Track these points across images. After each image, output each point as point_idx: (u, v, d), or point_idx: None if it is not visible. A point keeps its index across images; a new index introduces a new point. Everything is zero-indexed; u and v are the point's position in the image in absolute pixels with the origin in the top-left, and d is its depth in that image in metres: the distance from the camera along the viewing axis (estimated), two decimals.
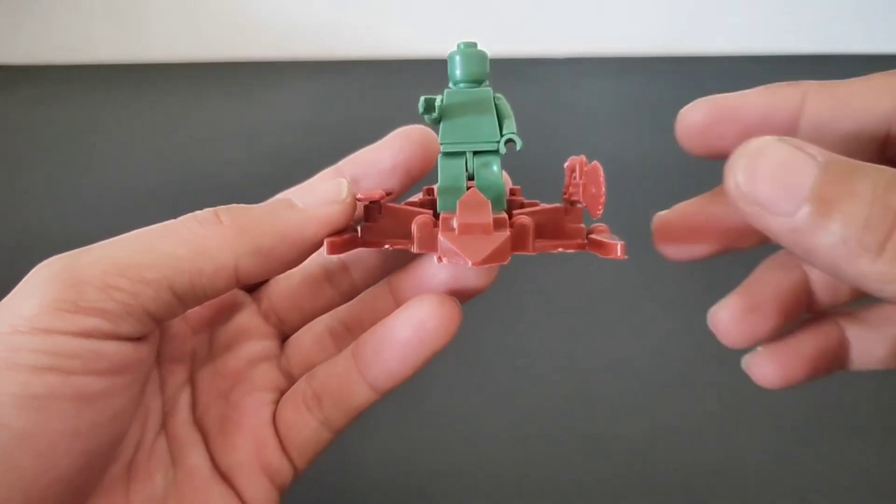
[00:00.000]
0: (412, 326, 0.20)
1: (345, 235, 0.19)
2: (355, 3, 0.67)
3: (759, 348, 0.22)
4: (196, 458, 0.21)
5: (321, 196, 0.19)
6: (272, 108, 0.64)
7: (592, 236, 0.19)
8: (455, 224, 0.17)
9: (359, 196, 0.19)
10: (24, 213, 0.52)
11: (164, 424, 0.21)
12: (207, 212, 0.18)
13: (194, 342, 0.22)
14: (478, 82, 0.20)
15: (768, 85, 0.19)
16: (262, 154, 0.57)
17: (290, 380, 0.23)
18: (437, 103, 0.19)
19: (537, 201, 0.21)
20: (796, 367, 0.21)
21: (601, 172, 0.18)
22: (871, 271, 0.14)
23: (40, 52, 0.70)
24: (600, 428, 0.36)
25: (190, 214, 0.18)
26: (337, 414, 0.21)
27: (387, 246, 0.19)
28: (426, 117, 0.19)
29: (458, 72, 0.20)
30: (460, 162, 0.20)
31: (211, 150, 0.58)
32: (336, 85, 0.67)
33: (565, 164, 0.21)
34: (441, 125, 0.20)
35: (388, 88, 0.66)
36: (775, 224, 0.15)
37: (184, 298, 0.17)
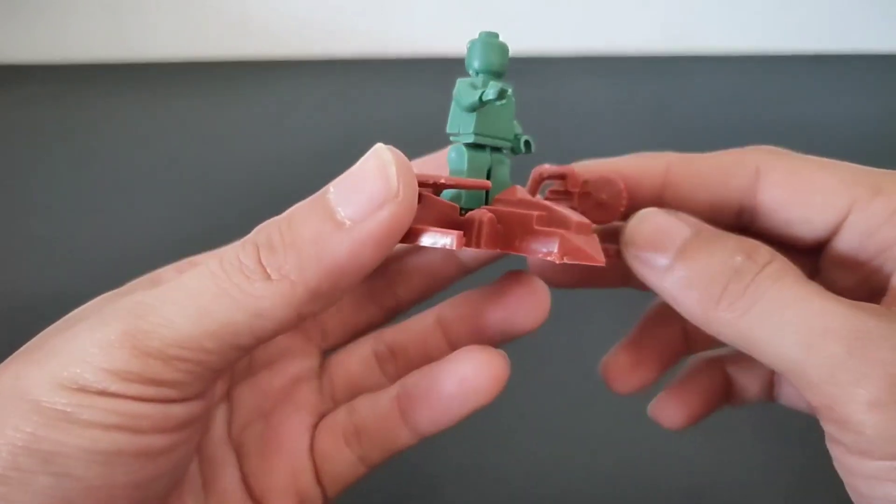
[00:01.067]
0: (458, 382, 0.19)
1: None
2: (356, 2, 0.67)
3: (661, 395, 0.25)
4: (229, 480, 0.20)
5: (369, 199, 0.15)
6: (273, 107, 0.64)
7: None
8: (573, 223, 0.17)
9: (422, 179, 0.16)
10: (24, 212, 0.52)
11: (198, 444, 0.20)
12: (249, 257, 0.16)
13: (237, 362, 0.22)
14: (499, 75, 0.20)
15: (639, 154, 0.22)
16: (262, 153, 0.57)
17: (332, 402, 0.22)
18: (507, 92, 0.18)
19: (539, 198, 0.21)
20: (695, 408, 0.24)
21: (622, 183, 0.21)
22: (713, 318, 0.17)
23: (40, 52, 0.69)
24: (600, 427, 0.36)
25: (231, 259, 0.16)
26: (375, 452, 0.21)
27: (445, 244, 0.15)
28: (493, 103, 0.18)
29: (480, 62, 0.19)
30: (484, 155, 0.19)
31: (211, 149, 0.58)
32: (337, 84, 0.67)
33: (532, 173, 0.21)
34: (476, 115, 0.19)
35: (390, 88, 0.66)
36: (651, 276, 0.18)
37: (249, 349, 0.16)
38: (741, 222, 0.21)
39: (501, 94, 0.17)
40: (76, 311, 0.19)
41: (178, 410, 0.16)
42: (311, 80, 0.67)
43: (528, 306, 0.21)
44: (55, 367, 0.15)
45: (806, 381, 0.16)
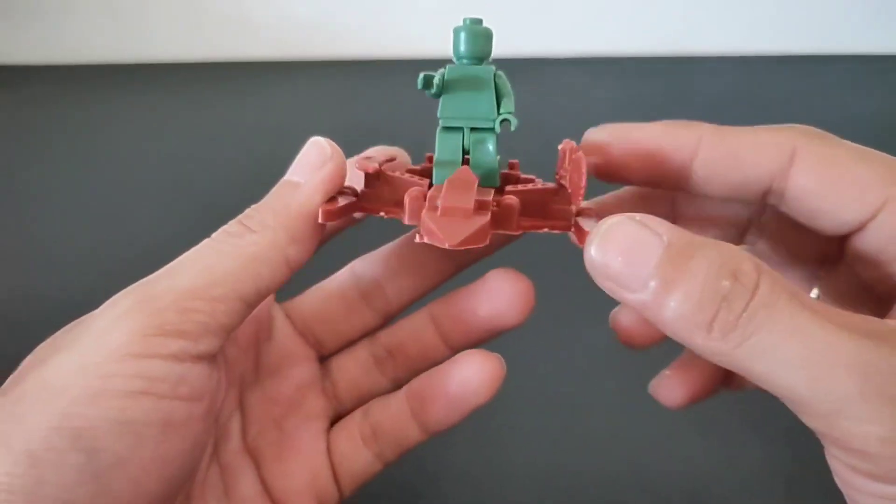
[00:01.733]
0: (460, 384, 0.21)
1: (339, 203, 0.19)
2: (356, 2, 0.67)
3: (665, 372, 0.24)
4: (248, 486, 0.21)
5: (310, 162, 0.19)
6: (273, 107, 0.64)
7: (579, 219, 0.19)
8: (439, 204, 0.17)
9: (359, 165, 0.20)
10: (24, 212, 0.52)
11: (216, 452, 0.21)
12: (233, 224, 0.19)
13: (244, 365, 0.23)
14: (479, 59, 0.20)
15: (667, 122, 0.20)
16: (262, 153, 0.57)
17: (337, 405, 0.24)
18: (436, 80, 0.19)
19: (534, 177, 0.21)
20: (695, 388, 0.23)
21: (583, 165, 0.18)
22: (703, 346, 0.15)
23: (40, 52, 0.69)
24: (600, 426, 0.36)
25: (220, 231, 0.19)
26: (390, 450, 0.23)
27: (381, 214, 0.19)
28: (427, 93, 0.20)
29: (461, 48, 0.20)
30: (458, 137, 0.20)
31: (211, 150, 0.58)
32: (337, 85, 0.67)
33: (559, 146, 0.21)
34: (441, 99, 0.20)
35: (389, 88, 0.66)
36: (627, 298, 0.16)
37: (251, 302, 0.18)
38: (766, 202, 0.20)
39: (425, 83, 0.19)
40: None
41: (192, 373, 0.17)
42: (310, 81, 0.68)
43: (514, 302, 0.22)
44: (77, 352, 0.16)
45: (811, 413, 0.15)
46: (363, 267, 0.24)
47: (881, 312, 0.18)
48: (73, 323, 0.19)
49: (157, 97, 0.65)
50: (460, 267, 0.24)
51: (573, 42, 0.69)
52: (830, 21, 0.68)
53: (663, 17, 0.68)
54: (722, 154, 0.19)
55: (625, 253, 0.16)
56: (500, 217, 0.18)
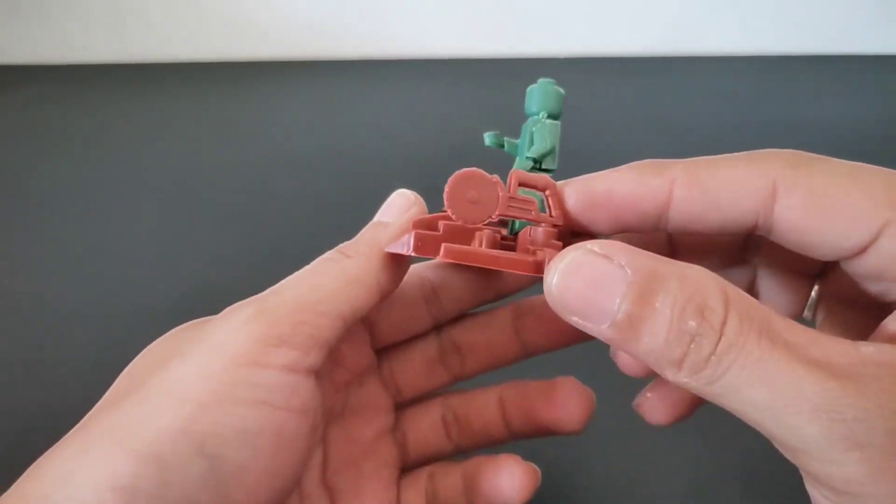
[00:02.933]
0: (501, 485, 0.24)
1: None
2: (356, 2, 0.67)
3: (647, 393, 0.24)
4: None
5: (398, 206, 0.22)
6: (273, 108, 0.64)
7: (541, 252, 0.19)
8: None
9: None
10: (25, 212, 0.52)
11: (300, 480, 0.22)
12: (332, 253, 0.21)
13: (332, 401, 0.24)
14: (556, 116, 0.23)
15: (636, 165, 0.19)
16: (263, 153, 0.57)
17: (405, 457, 0.26)
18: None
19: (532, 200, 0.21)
20: (680, 405, 0.24)
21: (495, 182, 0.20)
22: (675, 380, 0.15)
23: (40, 52, 0.70)
24: (598, 424, 0.36)
25: (320, 259, 0.21)
26: None
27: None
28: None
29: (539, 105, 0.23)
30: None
31: (213, 149, 0.59)
32: (337, 85, 0.67)
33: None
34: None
35: (389, 88, 0.66)
36: (594, 331, 0.16)
37: (348, 321, 0.20)
38: (753, 235, 0.19)
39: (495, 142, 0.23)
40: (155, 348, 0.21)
41: (302, 385, 0.18)
42: (312, 81, 0.68)
43: (577, 414, 0.25)
44: (200, 358, 0.17)
45: (783, 448, 0.15)
46: (446, 330, 0.26)
47: (878, 314, 0.18)
48: (189, 324, 0.21)
49: (159, 97, 0.65)
50: (531, 352, 0.26)
51: (573, 42, 0.69)
52: (830, 21, 0.68)
53: (663, 17, 0.68)
54: (697, 197, 0.18)
55: (588, 288, 0.16)
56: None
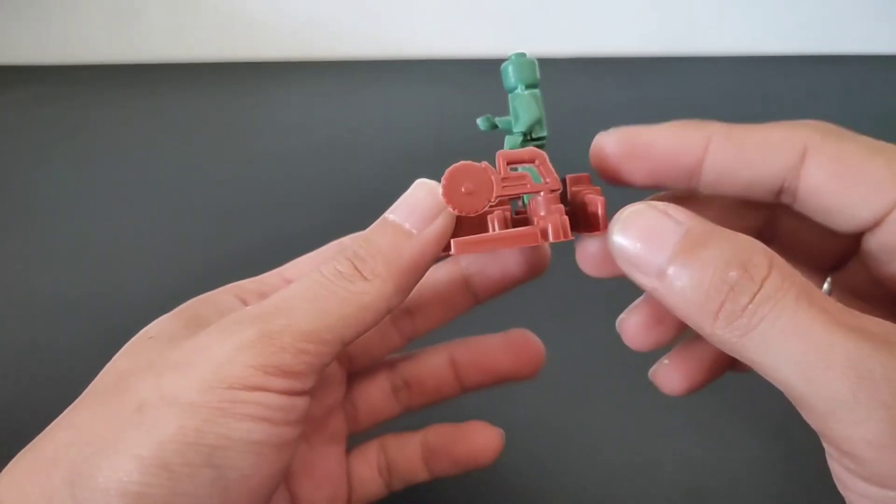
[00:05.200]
0: (466, 451, 0.25)
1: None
2: (356, 3, 0.68)
3: (664, 361, 0.24)
4: (279, 497, 0.23)
5: (423, 210, 0.20)
6: (273, 108, 0.64)
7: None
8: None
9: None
10: (25, 212, 0.52)
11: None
12: (345, 263, 0.19)
13: None
14: (534, 86, 0.23)
15: (677, 122, 0.20)
16: (262, 154, 0.57)
17: (354, 426, 0.26)
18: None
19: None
20: (697, 375, 0.24)
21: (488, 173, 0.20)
22: (710, 333, 0.16)
23: (40, 52, 0.70)
24: (596, 421, 0.36)
25: (333, 269, 0.19)
26: (399, 483, 0.26)
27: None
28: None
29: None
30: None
31: (212, 149, 0.59)
32: (337, 85, 0.67)
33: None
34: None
35: (389, 89, 0.66)
36: (644, 281, 0.17)
37: (350, 342, 0.19)
38: (780, 200, 0.20)
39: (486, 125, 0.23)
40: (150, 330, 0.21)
41: (298, 403, 0.19)
42: (312, 81, 0.68)
43: (527, 362, 0.26)
44: (201, 373, 0.17)
45: (808, 410, 0.16)
46: None
47: (893, 308, 0.18)
48: (170, 322, 0.21)
49: (159, 97, 0.66)
50: (480, 301, 0.26)
51: (573, 42, 0.69)
52: (830, 21, 0.68)
53: (663, 18, 0.69)
54: (732, 154, 0.19)
55: (644, 238, 0.17)
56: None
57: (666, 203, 0.17)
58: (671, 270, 0.16)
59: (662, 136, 0.20)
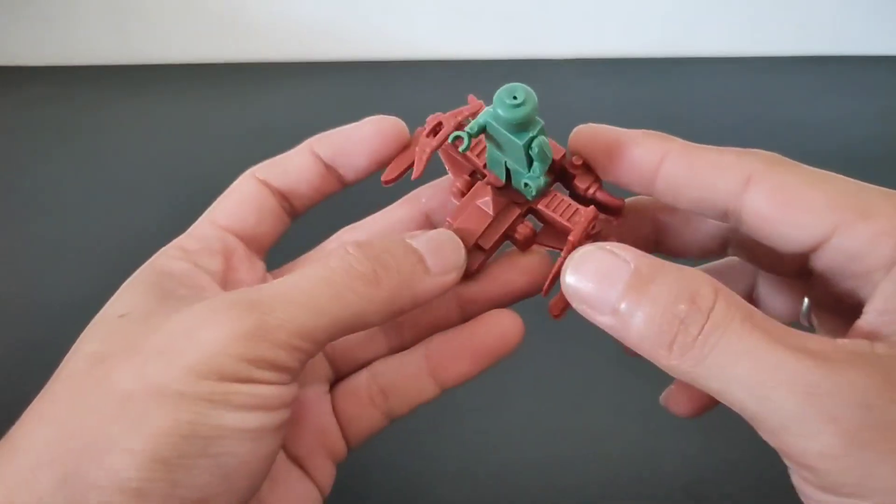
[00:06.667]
0: (485, 339, 0.23)
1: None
2: (356, 3, 0.68)
3: (672, 386, 0.26)
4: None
5: (448, 262, 0.21)
6: (273, 109, 0.64)
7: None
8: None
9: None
10: (25, 213, 0.52)
11: None
12: (368, 266, 0.19)
13: None
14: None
15: (644, 131, 0.21)
16: (262, 155, 0.57)
17: (336, 369, 0.25)
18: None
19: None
20: (700, 400, 0.25)
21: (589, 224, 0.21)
22: (667, 365, 0.17)
23: (40, 53, 0.70)
24: (598, 421, 0.36)
25: (348, 265, 0.19)
26: (401, 407, 0.24)
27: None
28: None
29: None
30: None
31: (213, 151, 0.59)
32: (337, 86, 0.67)
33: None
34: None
35: (389, 90, 0.66)
36: (599, 319, 0.18)
37: (335, 339, 0.20)
38: (728, 222, 0.21)
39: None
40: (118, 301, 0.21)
41: (288, 391, 0.19)
42: (312, 83, 0.68)
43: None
44: (190, 361, 0.17)
45: (763, 429, 0.17)
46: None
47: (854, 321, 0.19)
48: (141, 309, 0.19)
49: (159, 98, 0.66)
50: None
51: (572, 43, 0.69)
52: (830, 21, 0.68)
53: (663, 19, 0.68)
54: (683, 171, 0.20)
55: (595, 279, 0.18)
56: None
57: (615, 244, 0.18)
58: (623, 307, 0.17)
59: (627, 141, 0.21)
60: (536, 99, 0.20)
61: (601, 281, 0.18)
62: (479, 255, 0.22)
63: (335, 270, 0.19)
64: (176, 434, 0.16)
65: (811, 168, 0.19)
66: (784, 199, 0.19)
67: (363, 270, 0.19)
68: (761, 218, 0.19)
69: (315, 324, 0.18)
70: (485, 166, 0.22)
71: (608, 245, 0.18)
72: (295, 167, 0.26)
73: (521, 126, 0.20)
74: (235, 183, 0.25)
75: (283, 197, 0.25)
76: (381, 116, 0.25)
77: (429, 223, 0.25)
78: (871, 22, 0.68)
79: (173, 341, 0.18)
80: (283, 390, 0.18)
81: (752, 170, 0.19)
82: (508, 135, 0.20)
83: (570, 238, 0.21)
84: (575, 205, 0.22)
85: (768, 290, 0.25)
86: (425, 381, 0.24)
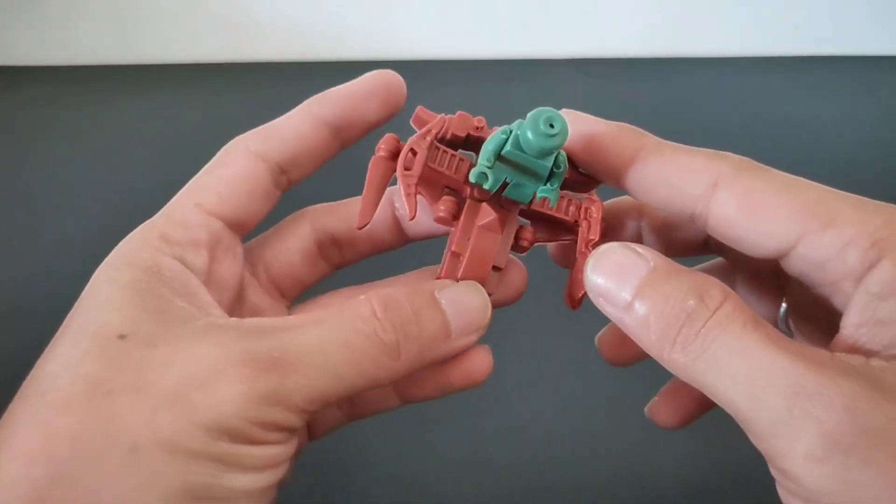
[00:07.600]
0: (460, 370, 0.22)
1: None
2: (356, 3, 0.68)
3: (656, 398, 0.26)
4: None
5: (469, 326, 0.20)
6: (273, 109, 0.64)
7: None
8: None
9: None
10: (25, 213, 0.52)
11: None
12: (393, 338, 0.19)
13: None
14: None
15: (620, 124, 0.21)
16: None
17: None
18: None
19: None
20: (686, 409, 0.25)
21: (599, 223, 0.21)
22: (668, 359, 0.17)
23: (40, 52, 0.70)
24: (595, 422, 0.36)
25: (373, 332, 0.19)
26: (363, 412, 0.24)
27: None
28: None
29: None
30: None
31: (212, 151, 0.58)
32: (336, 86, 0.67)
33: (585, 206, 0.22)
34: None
35: None
36: (612, 313, 0.19)
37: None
38: (696, 224, 0.20)
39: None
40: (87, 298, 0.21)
41: (293, 446, 0.19)
42: (312, 82, 0.67)
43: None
44: (203, 420, 0.17)
45: (751, 430, 0.17)
46: (323, 222, 0.26)
47: (833, 329, 0.18)
48: (142, 330, 0.18)
49: (160, 98, 0.66)
50: (410, 240, 0.25)
51: (572, 43, 0.69)
52: (830, 21, 0.68)
53: (662, 19, 0.69)
54: (654, 169, 0.20)
55: (613, 273, 0.18)
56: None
57: (637, 244, 0.19)
58: (637, 302, 0.18)
59: (601, 130, 0.21)
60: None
61: (618, 275, 0.18)
62: (495, 277, 0.22)
63: (357, 334, 0.19)
64: (188, 496, 0.16)
65: (782, 173, 0.19)
66: (749, 205, 0.19)
67: (386, 341, 0.19)
68: (727, 223, 0.19)
69: (331, 390, 0.18)
70: (465, 180, 0.21)
71: (632, 244, 0.19)
72: (294, 133, 0.25)
73: (550, 152, 0.20)
74: (223, 155, 0.24)
75: (281, 170, 0.24)
76: (380, 70, 0.25)
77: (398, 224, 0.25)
78: (871, 22, 0.68)
79: (184, 389, 0.17)
80: (288, 447, 0.19)
81: (720, 173, 0.19)
82: (533, 159, 0.20)
83: (590, 236, 0.21)
84: (566, 195, 0.22)
85: (745, 293, 0.25)
86: (388, 393, 0.24)
